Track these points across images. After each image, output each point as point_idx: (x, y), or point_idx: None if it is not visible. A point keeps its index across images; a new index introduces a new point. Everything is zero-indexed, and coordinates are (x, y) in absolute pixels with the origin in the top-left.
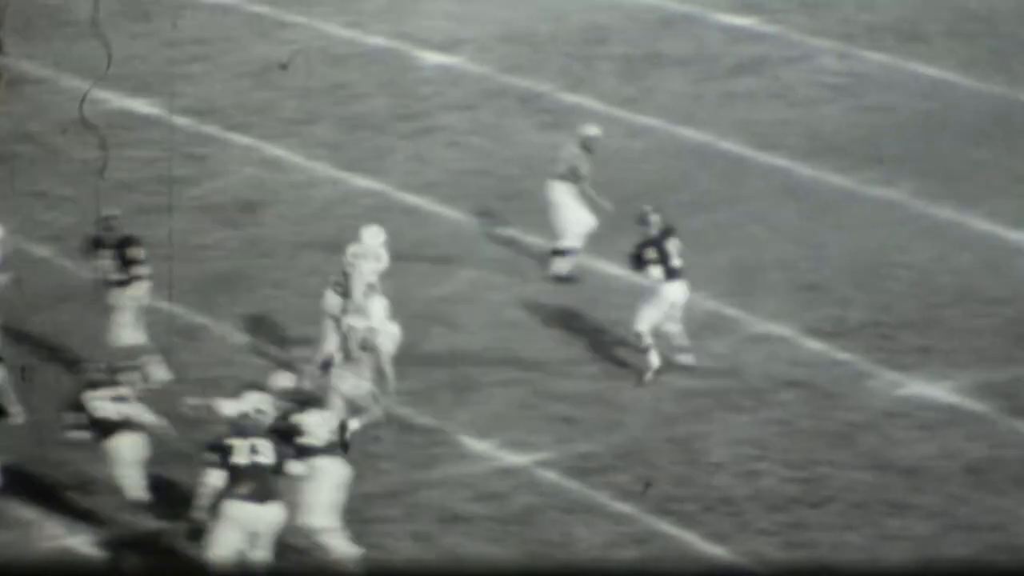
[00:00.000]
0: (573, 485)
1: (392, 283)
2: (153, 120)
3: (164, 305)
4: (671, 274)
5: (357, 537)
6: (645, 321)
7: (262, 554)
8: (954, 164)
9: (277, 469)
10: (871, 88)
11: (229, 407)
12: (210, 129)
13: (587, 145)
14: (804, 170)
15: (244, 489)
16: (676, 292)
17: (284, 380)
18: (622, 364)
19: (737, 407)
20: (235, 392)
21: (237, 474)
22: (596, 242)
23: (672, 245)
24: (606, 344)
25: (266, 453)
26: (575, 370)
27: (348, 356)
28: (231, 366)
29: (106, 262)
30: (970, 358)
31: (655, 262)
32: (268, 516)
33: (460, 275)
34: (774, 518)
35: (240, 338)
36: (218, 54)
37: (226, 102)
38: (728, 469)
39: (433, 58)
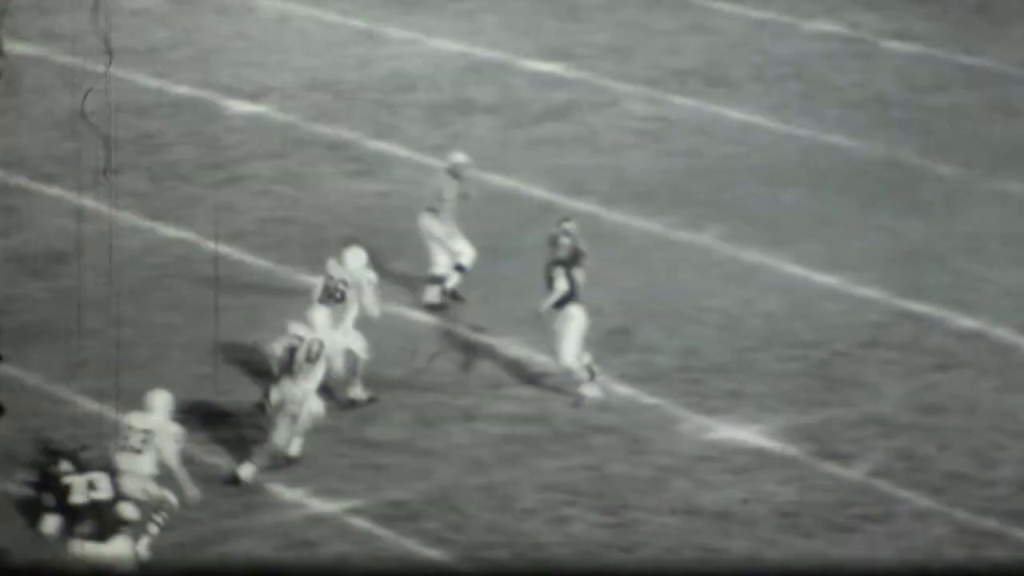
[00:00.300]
0: (383, 532)
1: (203, 331)
2: None
3: None
4: (575, 298)
5: None
6: (570, 354)
7: None
8: (762, 207)
9: (114, 503)
10: (678, 132)
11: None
12: (18, 180)
13: (455, 172)
14: (612, 215)
15: (84, 528)
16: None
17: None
18: (432, 410)
19: (547, 453)
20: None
21: (76, 514)
22: (406, 290)
23: (579, 273)
24: (416, 391)
25: (103, 488)
26: (385, 417)
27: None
28: (42, 417)
29: None
30: (779, 402)
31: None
32: (110, 552)
33: (269, 323)
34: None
35: (51, 389)
36: (25, 104)
37: (34, 153)
38: (539, 515)
39: (240, 107)
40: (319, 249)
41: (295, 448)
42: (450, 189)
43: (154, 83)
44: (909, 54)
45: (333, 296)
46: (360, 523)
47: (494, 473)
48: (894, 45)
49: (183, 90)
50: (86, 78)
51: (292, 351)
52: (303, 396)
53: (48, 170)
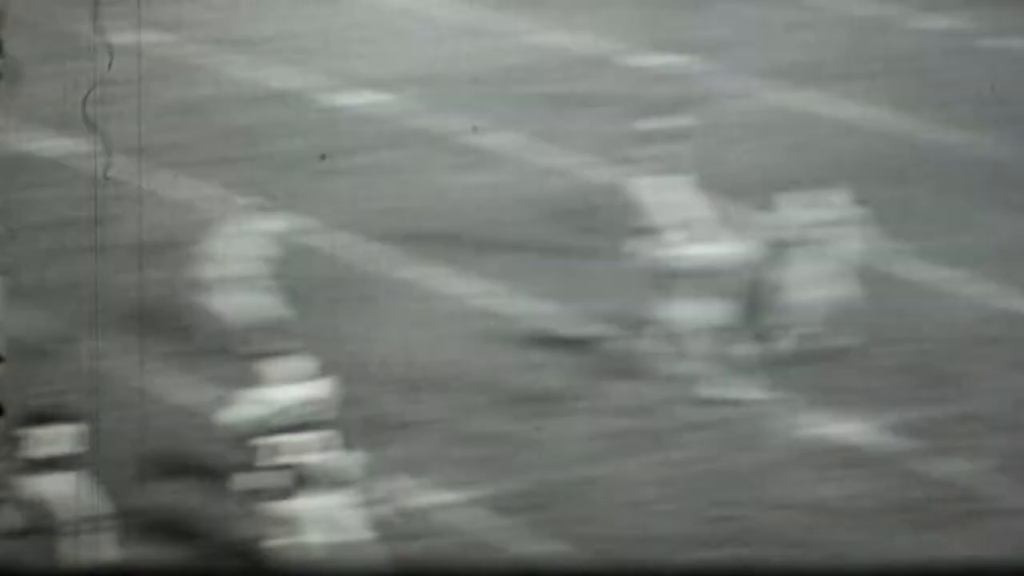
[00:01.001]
0: (491, 524)
1: (321, 323)
2: (71, 159)
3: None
4: None
5: None
6: None
7: None
8: (868, 203)
9: None
10: (784, 127)
11: None
12: (127, 169)
13: None
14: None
15: None
16: None
17: None
18: (541, 403)
19: (648, 447)
20: None
21: None
22: (504, 285)
23: None
24: (516, 384)
25: None
26: (493, 409)
27: None
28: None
29: None
30: (880, 397)
31: None
32: None
33: (374, 314)
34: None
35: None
36: (138, 94)
37: (146, 141)
38: (639, 509)
39: (352, 98)
40: (423, 243)
41: None
42: None
43: (263, 73)
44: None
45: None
46: (466, 514)
47: (597, 466)
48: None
49: (299, 80)
50: (197, 70)
51: None
52: None
53: (159, 159)
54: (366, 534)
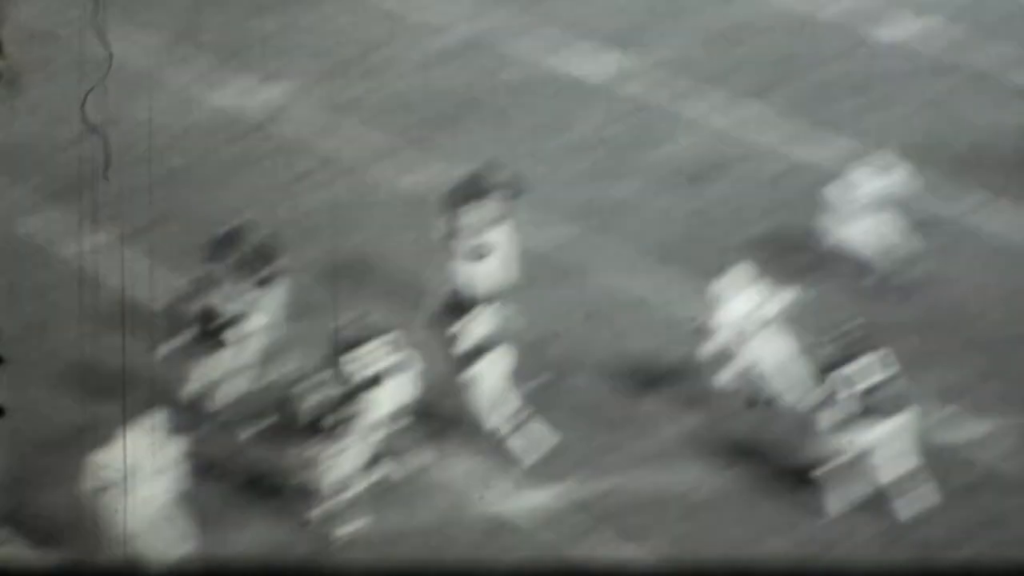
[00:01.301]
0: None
1: None
2: (608, 83)
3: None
4: None
5: None
6: None
7: None
8: None
9: None
10: None
11: None
12: (666, 93)
13: None
14: None
15: None
16: None
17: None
18: None
19: None
20: None
21: None
22: None
23: None
24: None
25: None
26: None
27: None
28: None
29: None
30: None
31: None
32: None
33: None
34: None
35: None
36: (684, 14)
37: (689, 65)
38: None
39: (890, 32)
40: (962, 174)
41: None
42: None
43: (809, 5)
44: None
45: None
46: (999, 446)
47: None
48: None
49: (837, 11)
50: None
51: None
52: None
53: (700, 83)
54: (918, 462)
